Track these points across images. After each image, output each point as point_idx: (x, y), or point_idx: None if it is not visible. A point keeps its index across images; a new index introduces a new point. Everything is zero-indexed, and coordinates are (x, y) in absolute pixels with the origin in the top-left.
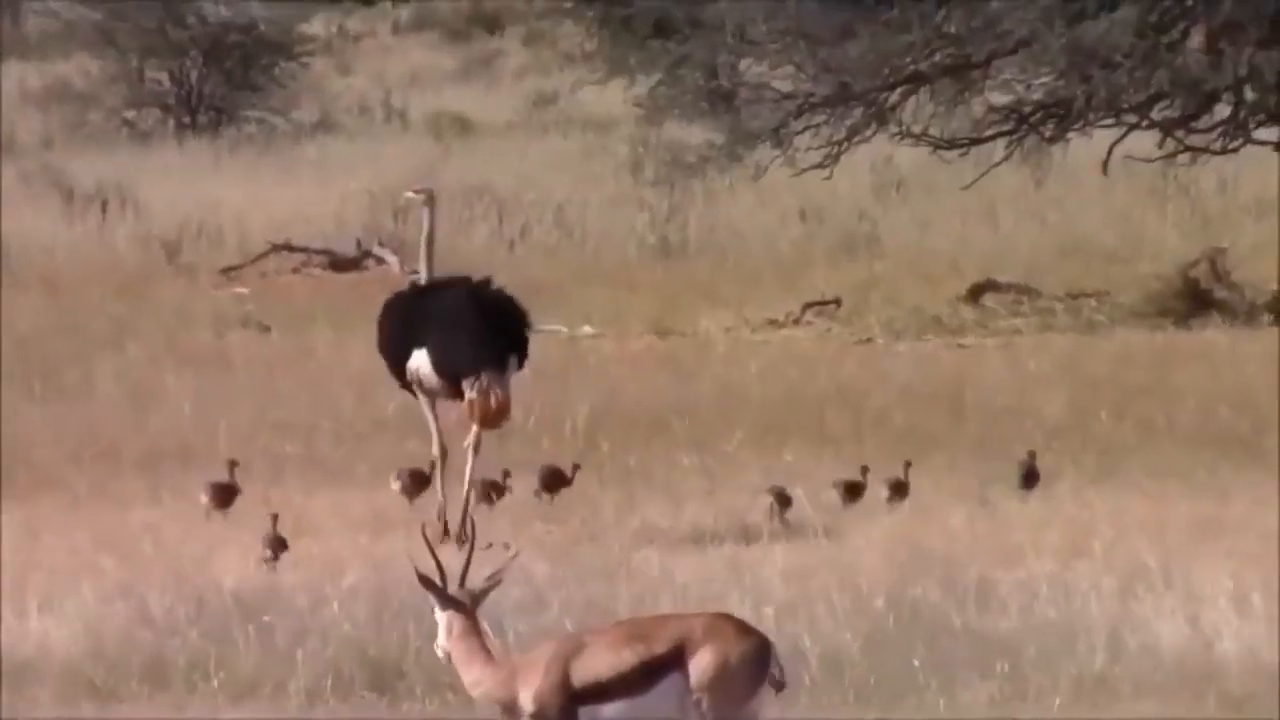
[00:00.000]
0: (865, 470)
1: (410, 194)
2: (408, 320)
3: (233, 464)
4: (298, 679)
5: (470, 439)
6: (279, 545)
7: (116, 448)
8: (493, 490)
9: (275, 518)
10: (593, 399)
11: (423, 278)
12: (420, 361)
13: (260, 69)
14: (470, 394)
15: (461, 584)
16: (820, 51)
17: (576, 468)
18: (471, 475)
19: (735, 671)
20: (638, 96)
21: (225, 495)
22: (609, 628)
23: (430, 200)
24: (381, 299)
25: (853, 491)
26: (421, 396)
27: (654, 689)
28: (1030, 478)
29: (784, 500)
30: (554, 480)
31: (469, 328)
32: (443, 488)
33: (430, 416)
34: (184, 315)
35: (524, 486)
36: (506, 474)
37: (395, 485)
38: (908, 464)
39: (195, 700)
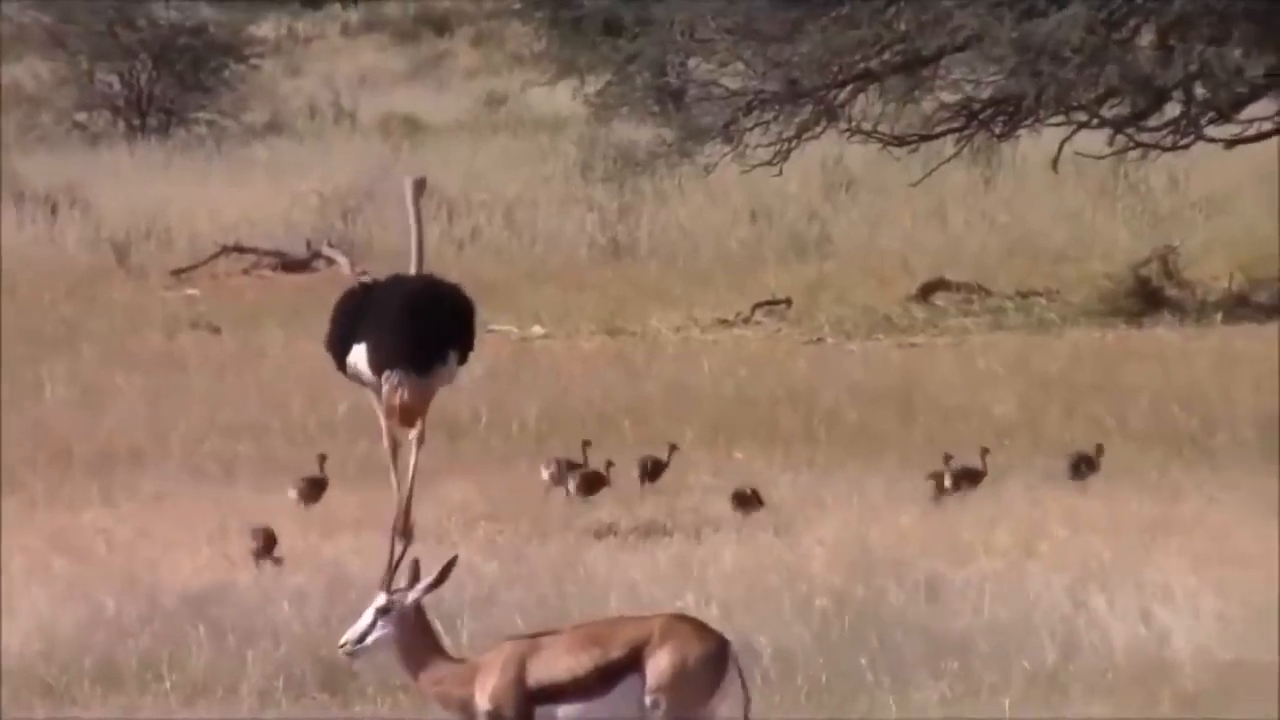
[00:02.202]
0: (947, 459)
1: (407, 179)
2: (352, 317)
3: (322, 458)
4: (249, 680)
5: (414, 434)
6: (269, 541)
7: (68, 449)
8: (593, 481)
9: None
10: (543, 399)
11: (413, 264)
12: (358, 357)
13: (210, 71)
14: (384, 388)
15: (388, 579)
16: (769, 49)
17: (674, 448)
18: (414, 473)
19: (693, 673)
20: (588, 95)
21: (315, 489)
22: (567, 629)
23: (419, 188)
24: (332, 300)
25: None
26: (370, 392)
27: (611, 691)
28: (1080, 467)
29: (746, 500)
30: (654, 469)
31: (394, 324)
32: (398, 482)
33: (380, 411)
34: (135, 317)
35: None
36: (610, 464)
37: (545, 475)
38: (985, 451)
39: (147, 701)
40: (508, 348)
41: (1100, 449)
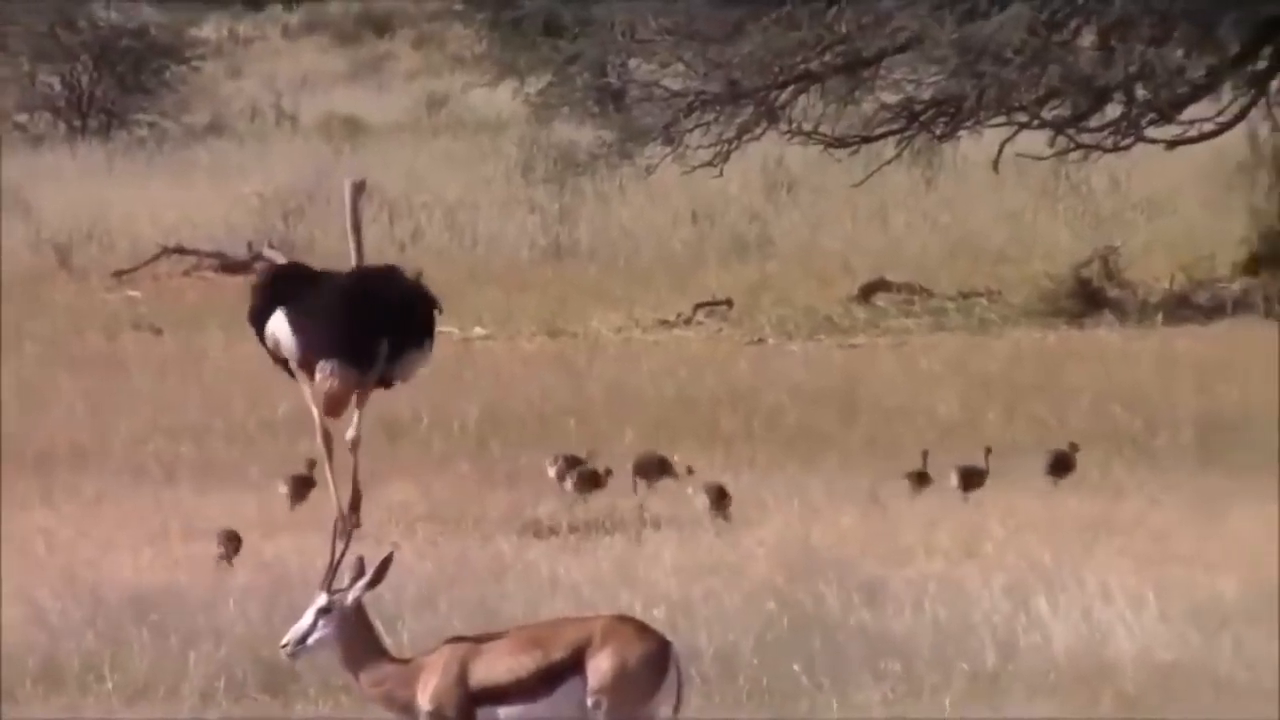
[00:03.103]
0: (925, 456)
1: (346, 181)
2: (279, 288)
3: (311, 462)
4: (191, 680)
5: (351, 431)
6: (234, 543)
7: (11, 450)
8: (591, 479)
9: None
10: (484, 399)
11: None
12: (278, 325)
13: (151, 72)
14: (317, 377)
15: (329, 579)
16: (710, 50)
17: (690, 470)
18: (356, 468)
19: (634, 674)
20: (529, 96)
21: (303, 488)
22: (510, 631)
23: (358, 190)
24: None
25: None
26: (304, 384)
27: (554, 693)
28: (1059, 466)
29: (721, 495)
30: (658, 468)
31: (330, 313)
32: (332, 475)
33: (311, 400)
34: (76, 318)
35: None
36: (609, 471)
37: (551, 471)
38: (988, 450)
39: (89, 701)
40: (449, 349)
41: (1075, 447)
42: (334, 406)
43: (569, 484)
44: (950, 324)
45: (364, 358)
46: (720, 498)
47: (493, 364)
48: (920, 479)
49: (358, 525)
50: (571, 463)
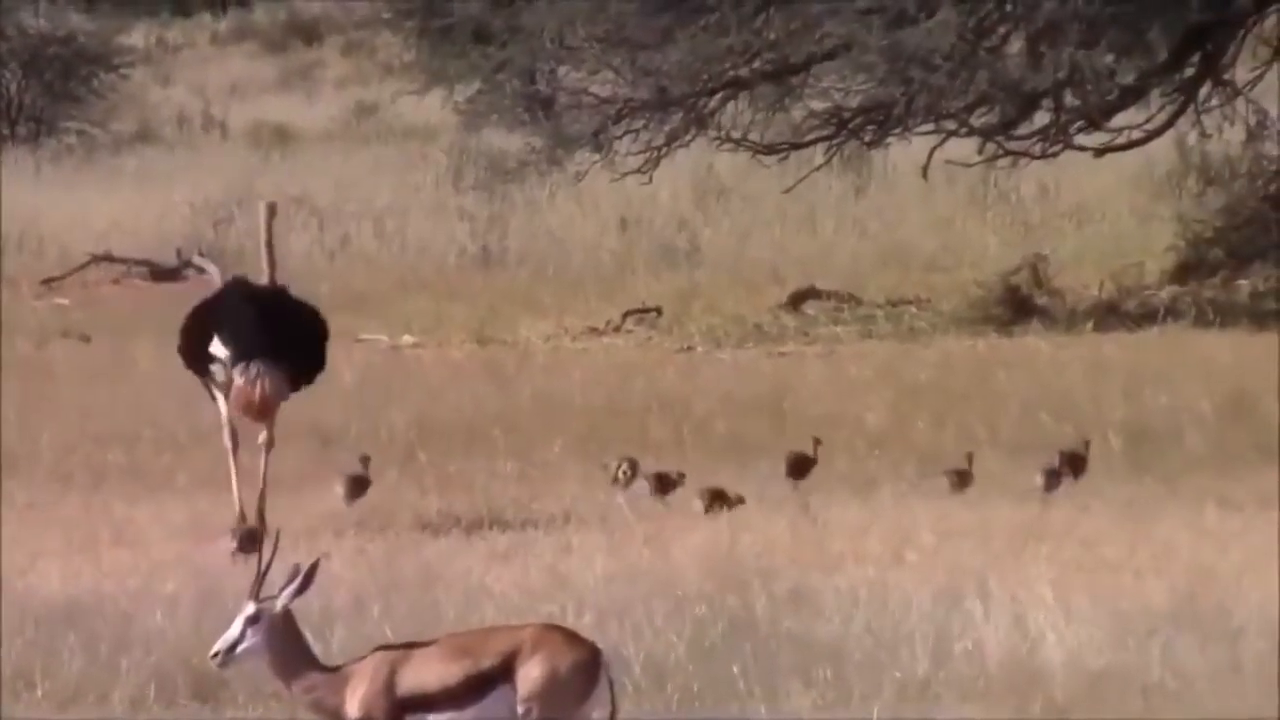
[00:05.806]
0: (970, 457)
1: (262, 203)
2: (204, 320)
3: (366, 459)
4: (122, 687)
5: (263, 436)
6: (250, 539)
7: None
8: (666, 482)
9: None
10: (413, 407)
11: (266, 280)
12: (218, 350)
13: (80, 80)
14: (238, 380)
15: (257, 587)
16: (639, 56)
17: (818, 442)
18: (266, 472)
19: (564, 682)
20: (458, 103)
21: (359, 487)
22: (441, 639)
23: (271, 211)
24: None
25: (963, 479)
26: (216, 390)
27: (482, 701)
28: (1076, 463)
29: (719, 498)
30: (801, 466)
31: (253, 320)
32: (237, 482)
33: (222, 409)
34: (5, 326)
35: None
36: (681, 474)
37: (618, 473)
38: (1087, 443)
39: (19, 708)
40: (378, 356)
41: (1087, 444)
42: (265, 409)
43: (649, 487)
44: (879, 332)
45: (284, 359)
46: (717, 499)
47: (421, 372)
48: (961, 478)
49: (264, 529)
50: (634, 466)
